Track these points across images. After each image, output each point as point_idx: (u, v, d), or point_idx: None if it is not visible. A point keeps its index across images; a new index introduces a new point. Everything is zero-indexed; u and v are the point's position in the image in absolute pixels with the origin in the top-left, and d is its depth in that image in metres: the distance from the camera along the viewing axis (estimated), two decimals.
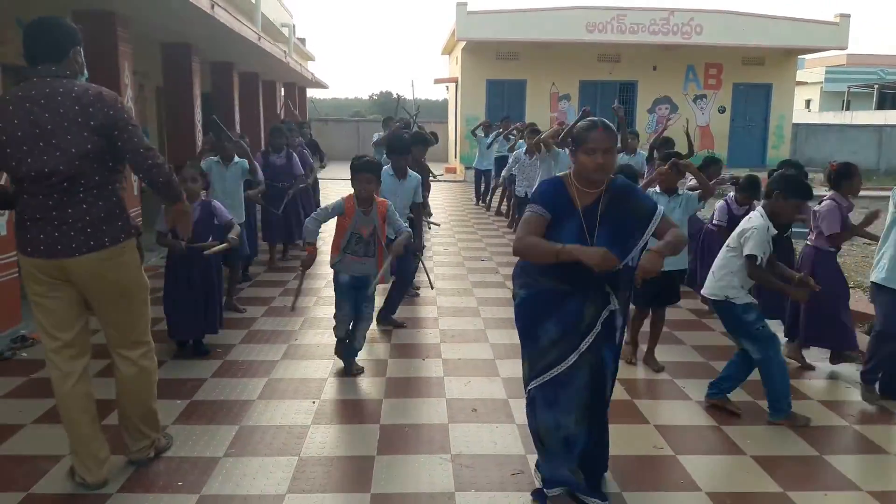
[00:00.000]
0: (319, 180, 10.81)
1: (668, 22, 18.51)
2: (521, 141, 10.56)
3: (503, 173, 11.09)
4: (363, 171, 4.34)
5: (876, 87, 35.82)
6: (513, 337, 5.18)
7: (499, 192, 12.67)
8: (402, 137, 5.65)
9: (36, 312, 3.03)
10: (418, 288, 6.79)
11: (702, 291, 4.19)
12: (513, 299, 3.14)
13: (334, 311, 4.64)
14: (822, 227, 4.65)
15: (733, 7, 19.16)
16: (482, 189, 13.79)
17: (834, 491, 3.26)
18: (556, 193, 2.92)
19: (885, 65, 37.00)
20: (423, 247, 6.36)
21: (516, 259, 3.08)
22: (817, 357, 5.03)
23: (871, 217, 4.82)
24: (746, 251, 3.84)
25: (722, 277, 3.97)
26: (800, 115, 29.22)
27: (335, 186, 16.46)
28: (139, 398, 3.25)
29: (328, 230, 4.89)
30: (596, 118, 2.93)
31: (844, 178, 4.68)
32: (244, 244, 5.87)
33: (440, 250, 8.83)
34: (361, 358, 4.70)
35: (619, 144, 6.95)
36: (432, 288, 6.56)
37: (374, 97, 52.86)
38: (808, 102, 39.41)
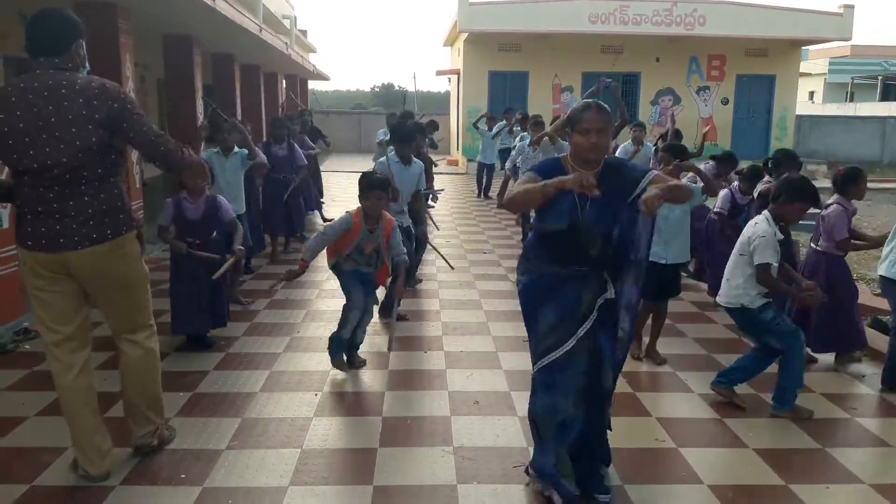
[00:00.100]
0: (322, 173, 10.81)
1: (671, 13, 18.42)
2: (524, 133, 10.52)
3: (507, 165, 11.08)
4: (376, 189, 4.21)
5: (880, 78, 35.65)
6: (515, 330, 5.19)
7: (500, 183, 12.65)
8: (407, 126, 5.65)
9: (36, 306, 3.02)
10: (420, 280, 6.80)
11: (717, 299, 4.19)
12: (516, 286, 3.17)
13: (345, 303, 4.42)
14: (833, 233, 4.59)
15: None
16: (483, 182, 13.81)
17: (837, 484, 3.26)
18: (553, 170, 2.94)
19: (889, 56, 36.81)
20: (426, 232, 6.30)
21: (519, 252, 3.09)
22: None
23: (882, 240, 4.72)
24: (758, 260, 3.82)
25: (735, 286, 3.95)
26: (803, 107, 29.07)
27: (337, 178, 16.46)
28: (145, 381, 3.28)
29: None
30: (590, 100, 2.99)
31: (851, 182, 4.63)
32: (246, 237, 5.85)
33: (442, 243, 8.81)
34: (363, 350, 4.69)
35: (619, 120, 6.95)
36: (452, 268, 6.68)
37: (376, 89, 52.82)
38: (811, 94, 39.25)
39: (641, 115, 19.35)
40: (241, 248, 4.71)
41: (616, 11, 18.28)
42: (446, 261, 5.60)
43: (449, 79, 25.26)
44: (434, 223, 8.27)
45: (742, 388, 4.20)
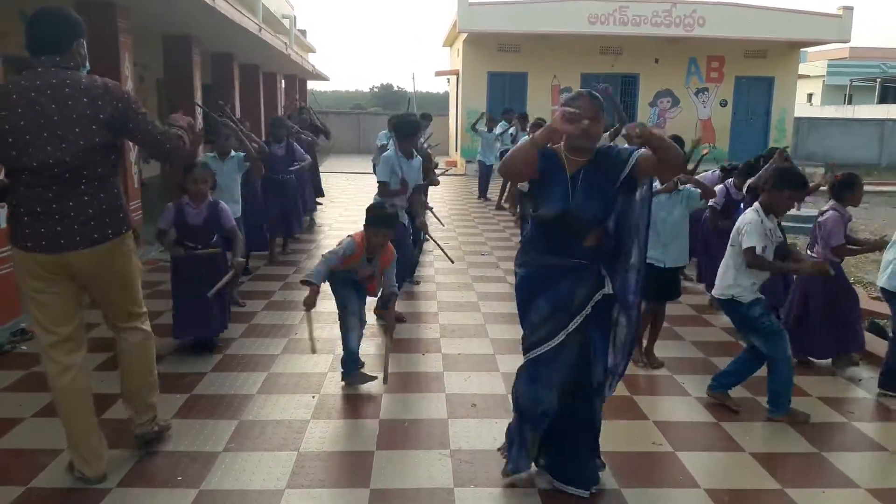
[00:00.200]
0: (321, 173, 10.85)
1: (671, 14, 18.43)
2: (523, 134, 10.53)
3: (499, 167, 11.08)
4: (384, 227, 4.17)
5: (878, 81, 35.70)
6: (513, 332, 5.18)
7: (499, 185, 12.65)
8: (410, 121, 5.66)
9: (33, 308, 3.00)
10: (418, 282, 6.80)
11: (712, 292, 4.22)
12: (515, 279, 3.22)
13: (339, 313, 4.31)
14: (830, 239, 4.60)
15: None
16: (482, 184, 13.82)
17: (832, 488, 3.27)
18: (549, 157, 3.00)
19: (887, 58, 36.82)
20: (425, 222, 6.28)
21: (517, 253, 3.12)
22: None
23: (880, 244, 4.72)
24: (744, 245, 3.86)
25: (727, 278, 3.98)
26: (802, 109, 29.12)
27: (336, 179, 16.45)
28: (148, 364, 3.34)
29: (322, 247, 4.84)
30: (583, 89, 3.04)
31: (847, 188, 4.64)
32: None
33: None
34: (360, 352, 4.68)
35: (617, 124, 6.95)
36: (452, 262, 6.68)
37: (375, 89, 52.84)
38: (809, 96, 39.29)
39: (640, 116, 19.37)
40: (241, 260, 4.65)
41: (615, 12, 18.29)
42: (445, 254, 5.60)
43: (448, 79, 25.25)
44: (438, 219, 8.30)
45: (738, 392, 4.21)
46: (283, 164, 7.79)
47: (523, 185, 9.37)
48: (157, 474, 3.21)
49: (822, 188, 5.61)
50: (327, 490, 3.14)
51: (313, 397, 4.13)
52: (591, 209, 2.92)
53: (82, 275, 3.00)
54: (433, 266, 7.51)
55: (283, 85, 20.70)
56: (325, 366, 4.62)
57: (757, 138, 20.72)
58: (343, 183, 16.10)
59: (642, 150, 2.90)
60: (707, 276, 6.24)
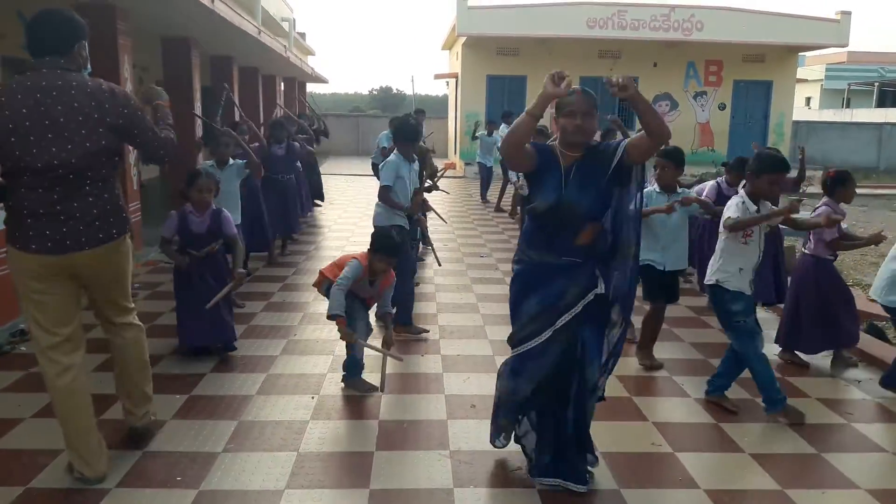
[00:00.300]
0: (326, 176, 10.93)
1: (669, 18, 18.48)
2: None
3: (511, 176, 11.15)
4: (391, 256, 4.19)
5: (876, 84, 35.78)
6: None
7: (499, 187, 12.68)
8: (411, 125, 5.67)
9: (33, 310, 2.98)
10: (417, 283, 6.80)
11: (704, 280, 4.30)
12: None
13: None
14: (824, 234, 4.64)
15: (734, 4, 19.10)
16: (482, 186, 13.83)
17: (832, 489, 3.27)
18: (545, 152, 3.07)
19: (885, 63, 36.93)
20: (424, 220, 6.27)
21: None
22: (814, 355, 5.02)
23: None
24: (723, 218, 3.94)
25: (714, 262, 4.06)
26: (800, 113, 29.18)
27: (335, 181, 16.46)
28: (142, 357, 3.38)
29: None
30: (577, 86, 3.07)
31: (839, 185, 4.68)
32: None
33: (440, 246, 8.81)
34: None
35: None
36: (439, 265, 6.70)
37: (374, 92, 52.87)
38: (808, 100, 39.37)
39: (639, 121, 19.38)
40: (242, 271, 4.61)
41: (614, 16, 18.34)
42: (436, 256, 5.63)
43: (447, 82, 25.29)
44: (442, 217, 8.32)
45: (736, 393, 4.22)
46: (283, 165, 7.88)
47: (524, 189, 9.41)
48: (156, 475, 3.20)
49: (810, 186, 5.65)
50: (327, 491, 3.14)
51: (313, 398, 4.13)
52: (584, 201, 2.97)
53: (85, 274, 3.02)
54: (432, 267, 7.52)
55: (283, 87, 20.70)
56: (325, 367, 4.62)
57: (755, 142, 20.76)
58: (342, 185, 16.11)
59: (627, 140, 3.02)
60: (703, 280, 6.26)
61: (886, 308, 4.50)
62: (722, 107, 20.65)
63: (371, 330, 4.48)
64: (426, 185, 6.46)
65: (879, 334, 5.51)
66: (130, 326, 3.32)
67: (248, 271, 7.18)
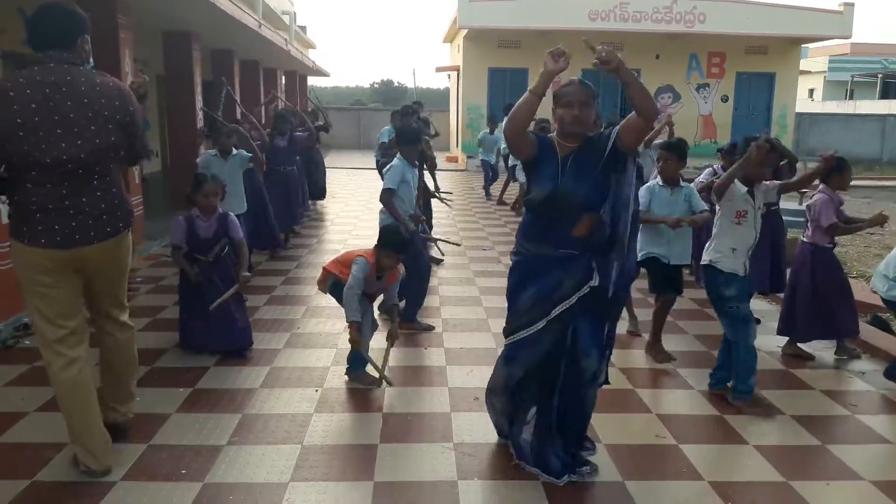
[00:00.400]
0: (327, 170, 11.07)
1: (671, 10, 18.41)
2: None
3: (512, 163, 11.17)
4: (399, 252, 4.19)
5: (879, 76, 35.66)
6: None
7: (502, 182, 12.68)
8: (413, 128, 5.63)
9: (40, 304, 2.97)
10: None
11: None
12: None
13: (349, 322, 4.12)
14: (821, 220, 4.64)
15: None
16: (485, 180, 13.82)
17: (836, 480, 3.27)
18: (543, 143, 3.12)
19: (888, 54, 36.80)
20: (422, 215, 6.28)
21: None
22: (818, 346, 5.02)
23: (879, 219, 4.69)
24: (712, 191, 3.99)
25: (710, 243, 4.08)
26: (803, 105, 29.10)
27: (337, 175, 16.43)
28: (133, 358, 3.42)
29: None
30: (575, 77, 3.14)
31: (835, 171, 4.67)
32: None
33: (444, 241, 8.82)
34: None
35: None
36: (441, 256, 6.75)
37: (375, 85, 52.73)
38: (811, 92, 39.25)
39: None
40: (248, 274, 4.59)
41: (616, 8, 18.27)
42: (439, 250, 5.63)
43: (448, 75, 25.25)
44: (447, 203, 8.36)
45: None
46: (286, 157, 7.93)
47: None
48: (161, 468, 3.21)
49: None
50: (331, 483, 3.14)
51: (316, 391, 4.13)
52: (580, 191, 2.99)
53: (92, 268, 3.04)
54: (440, 244, 7.52)
55: (284, 81, 20.68)
56: (328, 360, 4.63)
57: (758, 134, 20.70)
58: (344, 178, 16.10)
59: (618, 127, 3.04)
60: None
61: (886, 301, 4.48)
62: (725, 99, 20.59)
63: (377, 326, 4.49)
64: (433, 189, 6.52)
65: (884, 326, 5.51)
66: (127, 326, 3.36)
67: (252, 265, 7.17)
